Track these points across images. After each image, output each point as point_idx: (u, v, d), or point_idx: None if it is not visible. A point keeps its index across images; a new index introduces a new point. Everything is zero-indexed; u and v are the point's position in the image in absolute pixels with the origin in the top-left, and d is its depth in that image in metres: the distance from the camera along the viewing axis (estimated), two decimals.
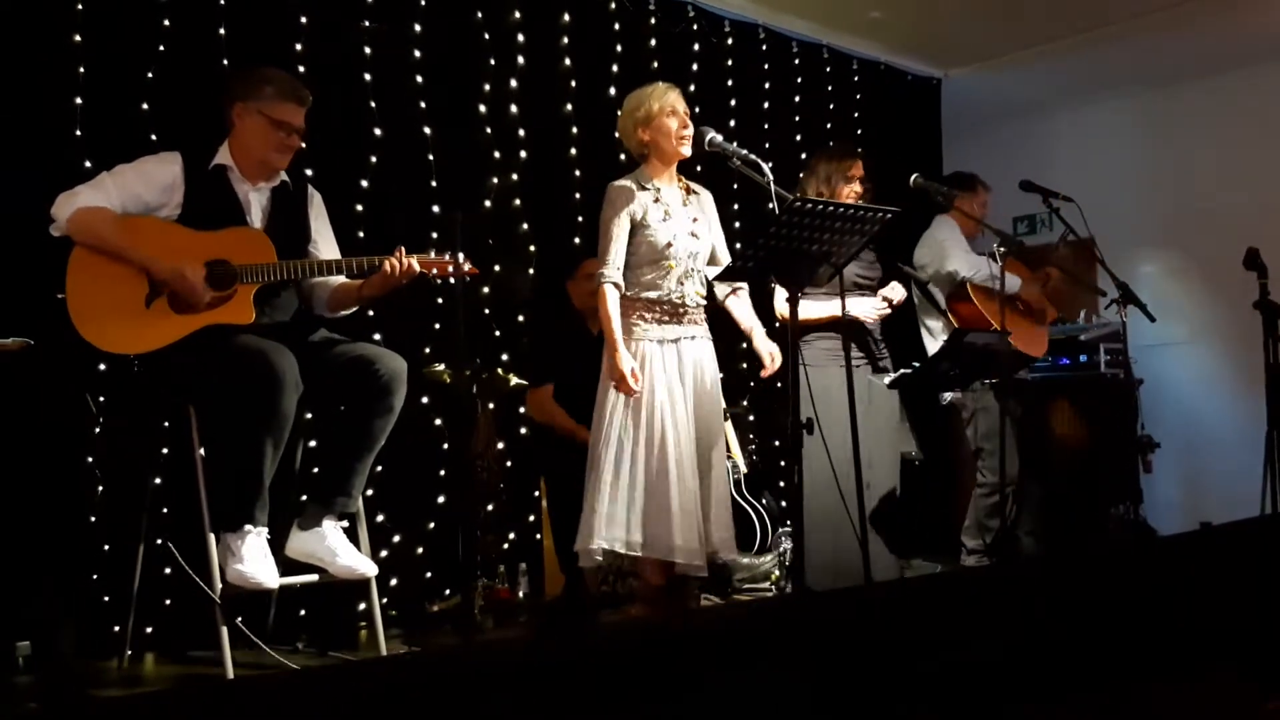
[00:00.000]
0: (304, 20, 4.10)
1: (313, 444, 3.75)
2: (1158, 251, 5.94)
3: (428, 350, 4.29)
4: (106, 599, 3.51)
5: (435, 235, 4.30)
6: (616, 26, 5.07)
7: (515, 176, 4.66)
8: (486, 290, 4.52)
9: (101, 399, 3.56)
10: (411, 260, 3.16)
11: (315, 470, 3.65)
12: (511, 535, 4.45)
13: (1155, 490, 5.82)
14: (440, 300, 4.32)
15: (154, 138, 3.65)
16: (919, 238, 4.88)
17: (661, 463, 3.24)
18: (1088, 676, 2.56)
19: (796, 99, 5.81)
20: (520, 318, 4.65)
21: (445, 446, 4.36)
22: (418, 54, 4.41)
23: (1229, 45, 5.87)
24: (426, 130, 4.40)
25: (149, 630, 3.56)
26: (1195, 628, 2.86)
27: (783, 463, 5.39)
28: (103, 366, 3.49)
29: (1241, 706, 2.51)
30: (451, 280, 3.23)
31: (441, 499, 4.33)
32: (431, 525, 4.30)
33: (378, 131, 4.26)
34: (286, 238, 3.19)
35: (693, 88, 5.16)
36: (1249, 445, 4.75)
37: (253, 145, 3.15)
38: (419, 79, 4.40)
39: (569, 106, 4.86)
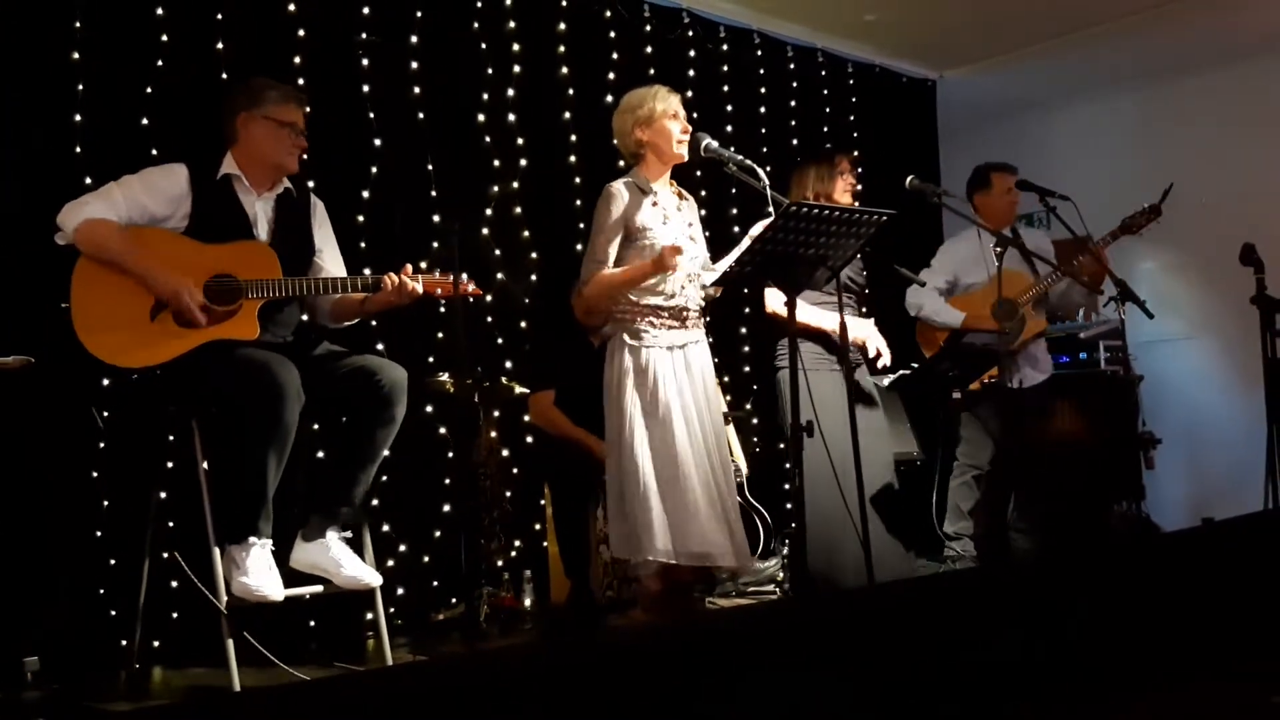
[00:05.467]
0: (302, 33, 4.12)
1: (318, 455, 3.76)
2: (1155, 248, 5.92)
3: (430, 360, 4.30)
4: (113, 613, 3.52)
5: (435, 245, 4.32)
6: (612, 34, 5.09)
7: (515, 184, 4.67)
8: (488, 299, 4.53)
9: (106, 414, 3.57)
10: (407, 281, 3.16)
11: (319, 482, 3.65)
12: (516, 543, 4.46)
13: (1158, 486, 5.82)
14: (442, 310, 4.33)
15: (154, 153, 3.67)
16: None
17: (686, 468, 3.22)
18: (1091, 674, 2.56)
19: (792, 103, 5.83)
20: (522, 324, 4.67)
21: (449, 456, 4.37)
22: (415, 65, 4.43)
23: (1223, 41, 5.88)
24: (425, 140, 4.41)
25: (155, 644, 3.57)
26: (1199, 624, 2.86)
27: (788, 465, 5.40)
28: (106, 381, 3.51)
29: (1246, 702, 2.51)
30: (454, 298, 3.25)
31: (446, 508, 4.34)
32: (436, 534, 4.30)
33: (377, 142, 4.28)
34: (292, 249, 3.21)
35: (689, 93, 5.18)
36: (1251, 440, 4.76)
37: (265, 150, 3.18)
38: (417, 90, 4.42)
39: (567, 114, 4.87)
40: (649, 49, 5.21)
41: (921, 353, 4.64)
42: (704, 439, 3.31)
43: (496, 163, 4.62)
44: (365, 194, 4.23)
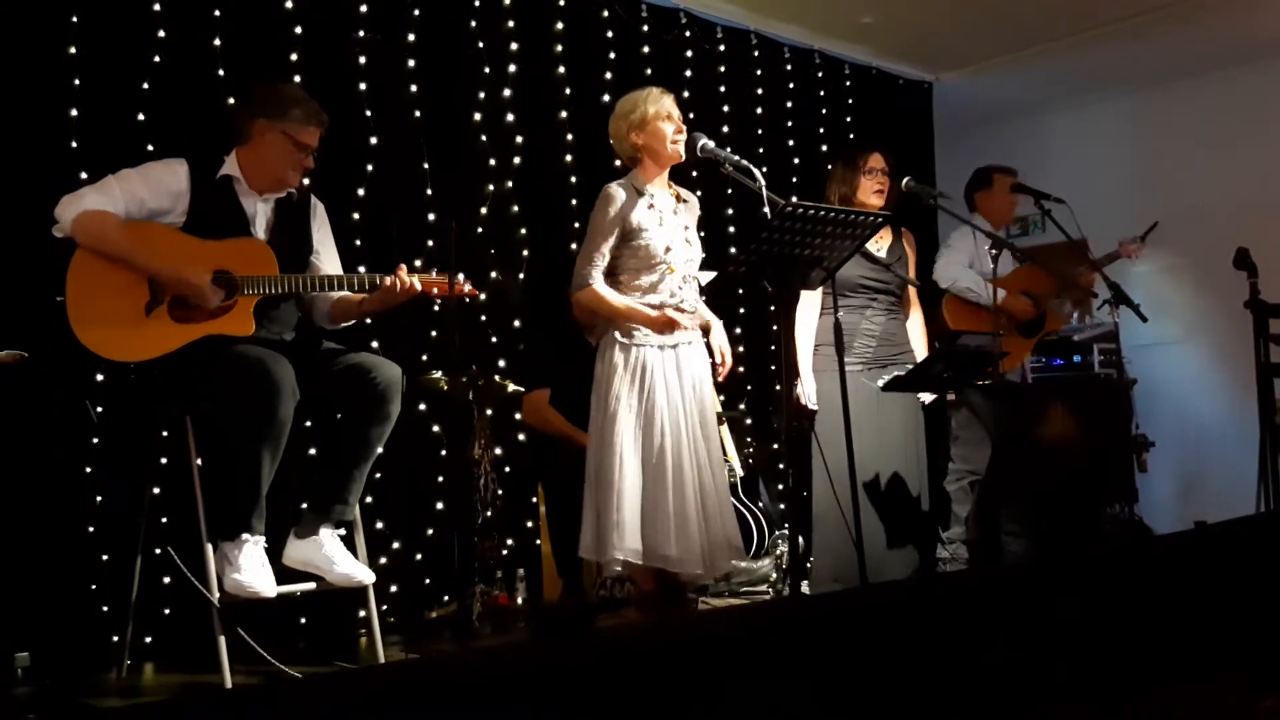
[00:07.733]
0: (299, 30, 4.12)
1: (311, 452, 3.76)
2: (1149, 251, 5.94)
3: (425, 358, 4.30)
4: (105, 608, 3.52)
5: (431, 243, 4.32)
6: (609, 34, 5.09)
7: (511, 184, 4.67)
8: (483, 297, 4.53)
9: (99, 408, 3.57)
10: (413, 280, 3.17)
11: (313, 479, 3.65)
12: (509, 541, 4.46)
13: (1150, 490, 5.83)
14: (436, 308, 4.33)
15: (150, 148, 3.67)
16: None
17: (661, 470, 3.23)
18: (1084, 677, 2.57)
19: (789, 104, 5.83)
20: (516, 324, 4.67)
21: (443, 454, 4.37)
22: (412, 63, 4.42)
23: (1218, 46, 5.90)
24: (422, 139, 4.41)
25: (147, 640, 3.57)
26: (1191, 627, 2.87)
27: (780, 465, 5.40)
28: (100, 376, 3.51)
29: (1237, 705, 2.52)
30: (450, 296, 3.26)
31: (439, 506, 4.34)
32: (429, 532, 4.31)
33: (373, 140, 4.27)
34: (289, 249, 3.21)
35: (686, 94, 5.18)
36: (1243, 444, 4.77)
37: (272, 162, 3.18)
38: (414, 88, 4.42)
39: (563, 113, 4.87)
40: (646, 49, 5.21)
41: (946, 328, 4.66)
42: (690, 441, 3.31)
43: (492, 162, 4.62)
44: (361, 192, 4.23)
